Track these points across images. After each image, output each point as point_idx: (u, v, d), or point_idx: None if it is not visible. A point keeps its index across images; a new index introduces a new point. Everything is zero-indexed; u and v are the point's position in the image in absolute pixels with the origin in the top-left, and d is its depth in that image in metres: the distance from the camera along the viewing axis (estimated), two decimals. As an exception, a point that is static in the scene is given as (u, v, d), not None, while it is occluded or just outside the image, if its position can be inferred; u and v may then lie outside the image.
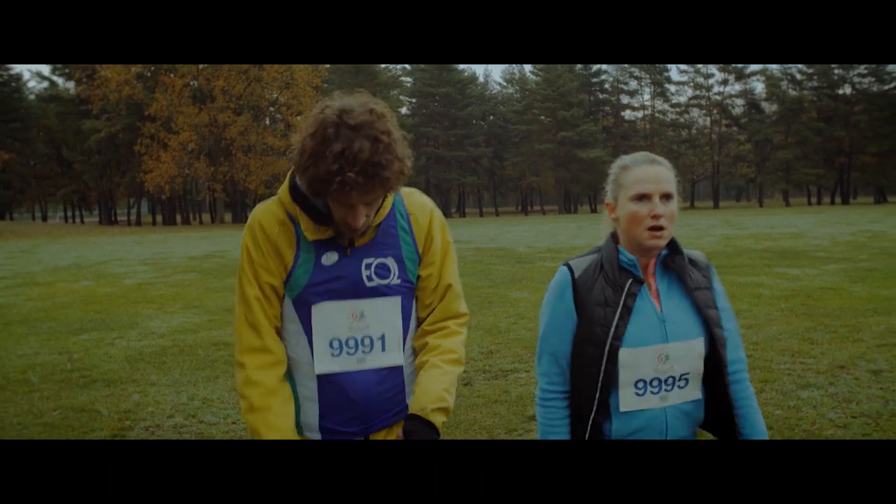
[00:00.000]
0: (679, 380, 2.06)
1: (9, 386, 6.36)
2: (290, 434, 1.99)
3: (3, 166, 60.55)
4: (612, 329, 2.01)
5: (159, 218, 68.91)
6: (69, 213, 79.04)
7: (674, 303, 2.08)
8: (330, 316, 1.99)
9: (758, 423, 2.12)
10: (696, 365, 2.07)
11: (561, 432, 2.11)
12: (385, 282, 2.02)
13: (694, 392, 2.08)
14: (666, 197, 2.03)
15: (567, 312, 2.08)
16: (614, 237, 2.13)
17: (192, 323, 9.44)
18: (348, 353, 2.00)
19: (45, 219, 77.12)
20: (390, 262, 2.03)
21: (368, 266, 2.00)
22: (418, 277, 2.10)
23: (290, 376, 2.06)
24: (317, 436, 2.04)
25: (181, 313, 10.33)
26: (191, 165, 57.67)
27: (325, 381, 2.01)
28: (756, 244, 19.93)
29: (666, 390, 2.05)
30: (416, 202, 2.11)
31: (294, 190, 1.99)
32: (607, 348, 2.00)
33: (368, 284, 2.00)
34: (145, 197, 67.68)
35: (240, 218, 64.62)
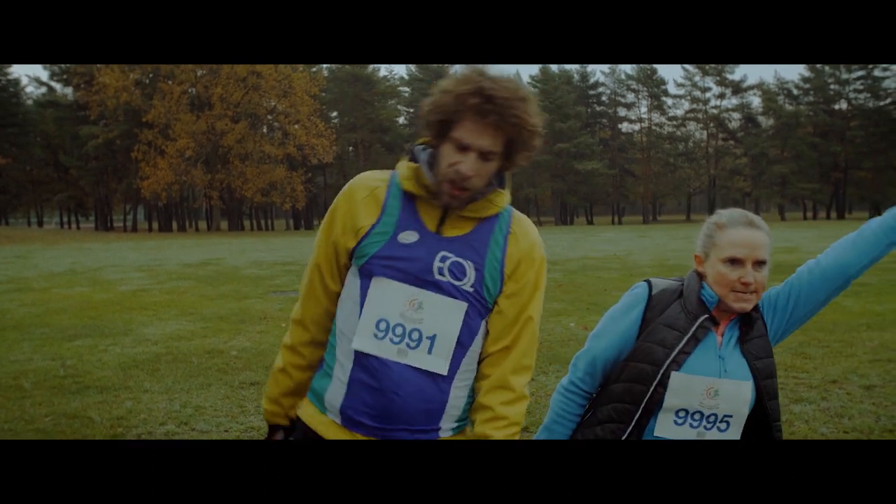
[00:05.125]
0: (721, 420, 2.02)
1: (1, 391, 6.34)
2: (271, 405, 2.11)
3: (0, 171, 60.51)
4: (674, 353, 1.98)
5: (155, 225, 68.83)
6: (65, 219, 78.91)
7: (732, 346, 2.07)
8: (386, 294, 1.87)
9: None
10: (741, 409, 2.04)
11: (568, 427, 2.14)
12: (456, 282, 1.87)
13: (732, 437, 2.05)
14: (759, 263, 1.99)
15: (630, 325, 2.09)
16: (699, 274, 2.11)
17: (187, 330, 9.42)
18: (392, 341, 1.86)
19: (40, 224, 76.99)
20: (468, 266, 1.88)
21: (444, 259, 1.87)
22: (496, 304, 1.93)
23: (332, 350, 1.98)
24: (337, 418, 1.92)
25: (175, 320, 10.31)
26: (188, 172, 57.62)
27: (360, 363, 1.89)
28: (751, 258, 19.94)
29: (706, 427, 2.01)
30: (524, 226, 1.99)
31: (413, 155, 1.96)
32: (663, 370, 1.98)
33: (436, 276, 1.86)
34: (141, 203, 67.63)
35: (236, 226, 64.52)
